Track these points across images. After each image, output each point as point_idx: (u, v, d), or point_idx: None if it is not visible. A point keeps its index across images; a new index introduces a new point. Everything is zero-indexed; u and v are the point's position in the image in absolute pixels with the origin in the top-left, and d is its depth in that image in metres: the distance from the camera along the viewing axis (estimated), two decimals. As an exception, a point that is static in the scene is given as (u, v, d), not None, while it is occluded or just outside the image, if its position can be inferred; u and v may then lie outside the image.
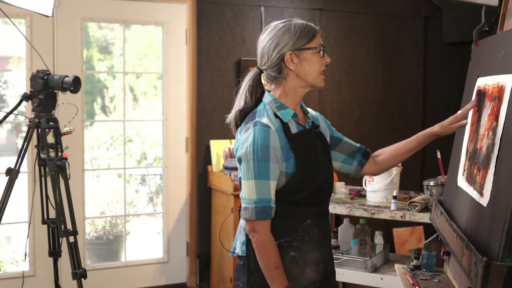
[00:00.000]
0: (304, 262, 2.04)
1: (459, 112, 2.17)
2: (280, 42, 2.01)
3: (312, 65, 2.04)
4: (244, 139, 2.00)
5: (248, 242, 2.04)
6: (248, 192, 1.98)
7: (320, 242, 2.07)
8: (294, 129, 2.05)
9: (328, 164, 2.14)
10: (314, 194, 2.05)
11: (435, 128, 2.20)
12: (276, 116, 2.03)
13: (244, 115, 2.08)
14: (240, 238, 2.11)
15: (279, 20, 2.08)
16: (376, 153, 2.33)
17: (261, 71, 2.10)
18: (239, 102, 2.10)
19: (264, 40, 2.06)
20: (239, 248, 2.11)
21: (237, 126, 2.10)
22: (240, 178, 2.04)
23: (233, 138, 5.12)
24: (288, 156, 1.99)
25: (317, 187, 2.05)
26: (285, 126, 2.02)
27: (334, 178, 2.39)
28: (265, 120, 1.99)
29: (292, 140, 2.01)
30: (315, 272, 2.06)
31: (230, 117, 2.12)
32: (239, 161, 2.02)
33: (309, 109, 2.21)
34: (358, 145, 2.31)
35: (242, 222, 2.09)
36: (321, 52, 2.04)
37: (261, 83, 2.11)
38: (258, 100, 2.10)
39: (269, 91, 2.10)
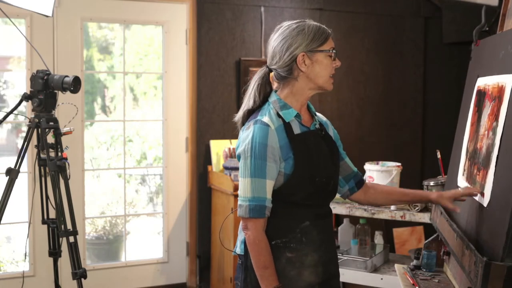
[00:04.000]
0: (301, 264, 2.02)
1: (461, 189, 2.12)
2: (293, 42, 2.00)
3: (323, 67, 2.03)
4: (244, 137, 2.01)
5: (245, 241, 2.04)
6: (243, 189, 1.98)
7: (320, 244, 2.05)
8: (297, 129, 2.03)
9: (333, 166, 2.11)
10: (315, 196, 2.04)
11: (433, 195, 2.20)
12: (278, 115, 2.02)
13: (251, 113, 2.08)
14: (240, 237, 2.10)
15: (291, 20, 2.07)
16: (368, 184, 2.30)
17: (270, 70, 2.08)
18: (248, 101, 2.08)
19: (276, 39, 2.04)
20: (238, 246, 2.11)
21: (243, 124, 2.09)
22: None
23: (234, 138, 5.11)
24: (287, 156, 1.98)
25: (318, 189, 2.03)
26: (287, 126, 2.01)
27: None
28: (265, 118, 1.99)
29: (293, 140, 2.00)
30: (314, 274, 2.03)
31: (238, 116, 2.11)
32: (238, 158, 2.03)
33: (319, 114, 2.19)
34: (356, 170, 2.27)
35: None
36: (333, 55, 2.04)
37: (270, 82, 2.09)
38: (266, 99, 2.09)
39: (275, 91, 2.09)
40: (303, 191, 2.01)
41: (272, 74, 2.09)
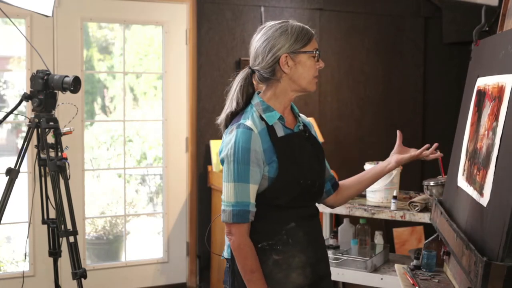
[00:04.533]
0: (288, 266, 1.99)
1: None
2: (276, 43, 1.97)
3: (307, 69, 2.00)
4: (227, 141, 1.98)
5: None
6: (227, 194, 1.95)
7: (306, 245, 2.02)
8: (280, 132, 2.01)
9: (318, 167, 2.09)
10: (299, 199, 2.01)
11: (391, 162, 2.29)
12: (262, 118, 1.99)
13: (234, 116, 2.05)
14: (227, 241, 2.07)
15: (275, 21, 2.05)
16: (341, 186, 2.27)
17: (253, 71, 2.05)
18: (231, 103, 2.05)
19: (259, 40, 2.01)
20: (225, 250, 2.08)
21: (226, 127, 2.07)
22: None
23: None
24: (271, 159, 1.95)
25: (302, 192, 2.01)
26: (270, 129, 1.98)
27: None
28: (248, 122, 1.96)
29: (276, 143, 1.97)
30: (302, 276, 2.01)
31: (221, 118, 2.09)
32: (222, 162, 2.00)
33: (302, 115, 2.17)
34: (332, 174, 2.26)
35: None
36: (316, 56, 2.01)
37: (253, 83, 2.06)
38: (249, 101, 2.06)
39: (258, 92, 2.06)
40: (287, 194, 1.98)
41: (254, 75, 2.05)
